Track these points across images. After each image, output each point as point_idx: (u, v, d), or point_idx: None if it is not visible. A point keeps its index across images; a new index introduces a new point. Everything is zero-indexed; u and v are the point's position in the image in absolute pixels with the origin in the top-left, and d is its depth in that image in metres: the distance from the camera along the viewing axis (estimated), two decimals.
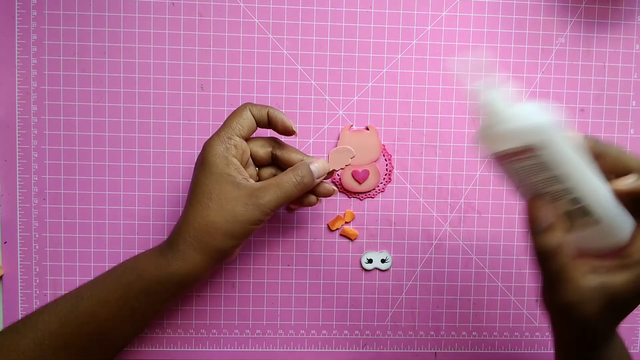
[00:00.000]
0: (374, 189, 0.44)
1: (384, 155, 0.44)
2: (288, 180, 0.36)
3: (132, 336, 0.37)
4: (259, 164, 0.39)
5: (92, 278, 0.36)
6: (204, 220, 0.34)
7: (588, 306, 0.29)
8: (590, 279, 0.29)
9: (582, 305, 0.29)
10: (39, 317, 0.34)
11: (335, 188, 0.40)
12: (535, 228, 0.30)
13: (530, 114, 0.29)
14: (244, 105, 0.37)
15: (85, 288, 0.36)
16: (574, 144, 0.29)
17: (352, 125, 0.44)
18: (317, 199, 0.40)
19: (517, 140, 0.28)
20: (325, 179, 0.39)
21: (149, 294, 0.35)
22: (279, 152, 0.38)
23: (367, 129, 0.44)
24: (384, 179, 0.44)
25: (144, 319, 0.36)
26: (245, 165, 0.37)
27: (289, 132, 0.37)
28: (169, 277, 0.34)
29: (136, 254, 0.44)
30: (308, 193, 0.39)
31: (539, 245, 0.30)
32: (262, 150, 0.38)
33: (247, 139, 0.37)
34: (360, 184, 0.44)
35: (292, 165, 0.38)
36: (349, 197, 0.45)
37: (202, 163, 0.35)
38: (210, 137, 0.36)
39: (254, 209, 0.35)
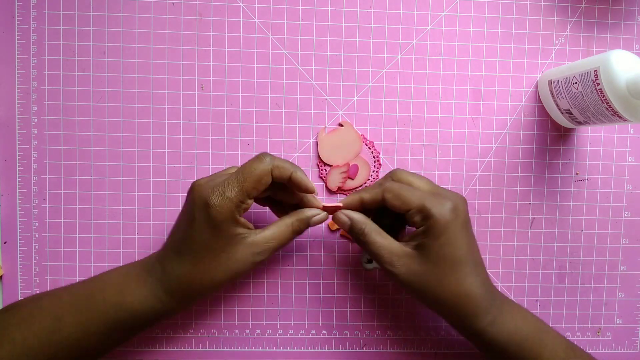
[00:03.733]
0: (369, 179, 0.44)
1: (366, 145, 0.44)
2: (285, 232, 0.37)
3: (107, 353, 0.37)
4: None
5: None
6: (205, 275, 0.35)
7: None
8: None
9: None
10: (15, 330, 0.34)
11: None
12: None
13: None
14: (267, 168, 0.34)
15: (64, 309, 0.35)
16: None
17: (325, 127, 0.44)
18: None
19: None
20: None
21: (138, 328, 0.37)
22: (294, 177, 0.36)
23: (341, 125, 0.44)
24: (375, 166, 0.44)
25: (127, 342, 0.38)
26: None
27: (310, 192, 0.37)
28: (161, 317, 0.37)
29: (135, 254, 0.44)
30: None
31: None
32: (263, 189, 0.36)
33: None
34: (352, 179, 0.44)
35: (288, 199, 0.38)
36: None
37: (210, 224, 0.34)
38: (220, 195, 0.33)
39: (251, 264, 0.36)
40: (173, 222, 0.44)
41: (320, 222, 0.38)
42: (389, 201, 0.36)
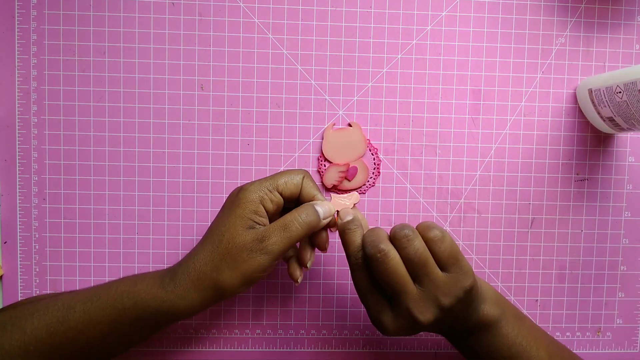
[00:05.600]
0: (365, 185, 0.44)
1: (370, 150, 0.44)
2: (293, 220, 0.35)
3: (116, 354, 0.37)
4: (288, 204, 0.38)
5: (91, 279, 0.36)
6: (210, 265, 0.34)
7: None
8: None
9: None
10: (27, 320, 0.34)
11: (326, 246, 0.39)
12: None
13: None
14: (303, 171, 0.37)
15: (78, 300, 0.35)
16: None
17: (334, 124, 0.44)
18: (299, 278, 0.39)
19: None
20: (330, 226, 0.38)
21: (142, 322, 0.35)
22: (304, 186, 0.37)
23: (350, 125, 0.44)
24: (373, 173, 0.44)
25: (131, 342, 0.36)
26: (272, 217, 0.36)
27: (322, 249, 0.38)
28: (165, 311, 0.34)
29: (135, 254, 0.44)
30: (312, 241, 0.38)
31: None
32: (295, 188, 0.37)
33: (284, 198, 0.36)
34: (349, 181, 0.44)
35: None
36: None
37: (232, 206, 0.35)
38: (251, 184, 0.36)
39: (258, 254, 0.34)
40: (173, 222, 0.44)
41: (328, 214, 0.38)
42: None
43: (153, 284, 0.35)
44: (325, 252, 0.40)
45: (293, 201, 0.37)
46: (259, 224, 0.35)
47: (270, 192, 0.35)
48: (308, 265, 0.38)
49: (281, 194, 0.36)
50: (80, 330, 0.34)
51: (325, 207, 0.37)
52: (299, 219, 0.35)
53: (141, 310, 0.34)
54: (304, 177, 0.37)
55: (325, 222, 0.37)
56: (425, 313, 0.33)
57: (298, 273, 0.38)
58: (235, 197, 0.35)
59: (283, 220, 0.35)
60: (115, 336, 0.35)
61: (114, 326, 0.34)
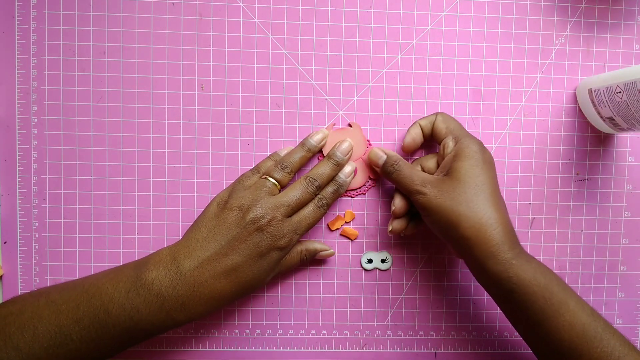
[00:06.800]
0: (364, 185, 0.44)
1: None
2: (295, 257, 0.42)
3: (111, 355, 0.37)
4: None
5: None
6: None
7: None
8: None
9: None
10: (20, 338, 0.34)
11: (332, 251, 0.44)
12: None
13: None
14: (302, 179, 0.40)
15: (72, 323, 0.35)
16: None
17: (334, 124, 0.44)
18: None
19: None
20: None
21: (148, 336, 0.36)
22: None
23: (350, 125, 0.44)
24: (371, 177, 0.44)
25: (109, 353, 0.37)
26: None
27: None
28: (167, 328, 0.36)
29: (135, 254, 0.44)
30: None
31: None
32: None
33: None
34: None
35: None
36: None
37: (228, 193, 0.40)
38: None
39: (257, 275, 0.38)
40: (173, 222, 0.44)
41: (327, 257, 0.44)
42: (437, 124, 0.41)
43: (153, 303, 0.35)
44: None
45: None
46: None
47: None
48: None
49: (292, 172, 0.41)
50: (81, 353, 0.35)
51: (323, 247, 0.43)
52: (299, 254, 0.42)
53: (149, 333, 0.36)
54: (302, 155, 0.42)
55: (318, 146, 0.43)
56: None
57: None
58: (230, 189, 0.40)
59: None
60: (116, 352, 0.36)
61: (118, 347, 0.36)
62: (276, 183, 0.39)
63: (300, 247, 0.41)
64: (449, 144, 0.39)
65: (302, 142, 0.42)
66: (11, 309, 0.35)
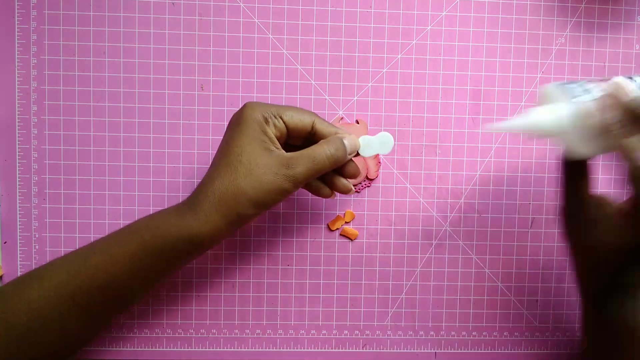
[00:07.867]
0: (360, 184, 0.44)
1: None
2: (321, 153, 0.35)
3: (142, 294, 0.36)
4: (292, 140, 0.38)
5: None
6: (232, 184, 0.33)
7: None
8: None
9: None
10: (46, 269, 0.34)
11: (360, 172, 0.39)
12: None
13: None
14: (312, 114, 0.37)
15: (97, 243, 0.35)
16: None
17: (342, 117, 0.44)
18: (333, 193, 0.39)
19: None
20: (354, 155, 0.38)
21: (164, 252, 0.34)
22: (318, 126, 0.37)
23: (357, 122, 0.44)
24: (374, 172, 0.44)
25: (156, 277, 0.35)
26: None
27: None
28: (188, 238, 0.33)
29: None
30: (333, 175, 0.38)
31: None
32: (301, 124, 0.36)
33: (288, 131, 0.36)
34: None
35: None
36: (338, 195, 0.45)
37: (239, 123, 0.35)
38: (256, 102, 0.35)
39: (283, 179, 0.34)
40: None
41: (355, 149, 0.37)
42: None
43: (169, 214, 0.35)
44: (355, 179, 0.42)
45: (295, 138, 0.37)
46: (273, 147, 0.35)
47: (275, 117, 0.35)
48: (349, 186, 0.39)
49: (286, 123, 0.36)
50: (100, 268, 0.33)
51: (352, 141, 0.37)
52: (327, 152, 0.35)
53: (161, 240, 0.34)
54: (315, 120, 0.36)
55: (350, 156, 0.37)
56: None
57: (328, 191, 0.39)
58: (240, 116, 0.35)
59: (312, 151, 0.35)
60: (137, 271, 0.34)
61: (135, 260, 0.34)
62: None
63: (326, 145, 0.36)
64: None
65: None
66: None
